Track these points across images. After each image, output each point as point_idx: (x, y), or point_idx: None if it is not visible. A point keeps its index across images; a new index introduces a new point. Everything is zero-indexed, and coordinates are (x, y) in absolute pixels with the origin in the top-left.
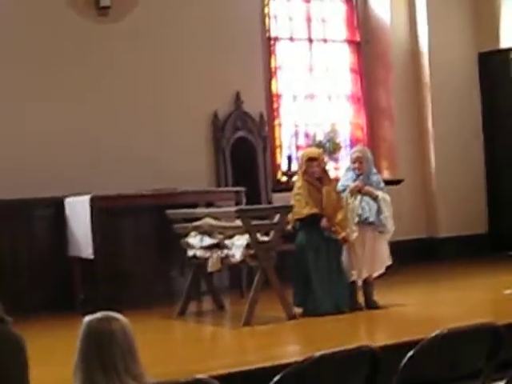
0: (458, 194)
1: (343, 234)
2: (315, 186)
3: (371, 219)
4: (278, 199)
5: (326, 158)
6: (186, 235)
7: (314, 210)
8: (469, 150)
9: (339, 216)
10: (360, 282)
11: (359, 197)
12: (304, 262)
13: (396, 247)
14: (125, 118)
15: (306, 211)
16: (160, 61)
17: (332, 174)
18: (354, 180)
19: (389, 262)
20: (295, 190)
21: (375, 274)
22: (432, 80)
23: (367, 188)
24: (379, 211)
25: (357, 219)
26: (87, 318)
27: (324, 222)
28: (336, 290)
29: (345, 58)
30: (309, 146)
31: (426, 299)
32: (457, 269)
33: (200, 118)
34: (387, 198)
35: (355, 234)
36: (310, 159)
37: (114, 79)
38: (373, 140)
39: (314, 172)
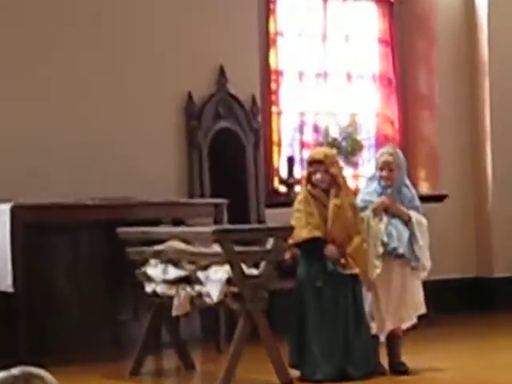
0: None
1: (356, 270)
2: (321, 199)
3: (401, 250)
4: (274, 217)
5: (340, 162)
6: (144, 263)
7: (316, 233)
8: None
9: (354, 243)
10: (383, 338)
11: (385, 218)
12: (301, 306)
13: (434, 290)
14: (63, 103)
15: (305, 234)
16: (119, 21)
17: (350, 184)
18: (380, 194)
19: (422, 310)
20: (295, 205)
21: (404, 327)
22: (491, 58)
23: (397, 206)
24: (412, 240)
25: (381, 250)
26: None
27: (329, 250)
28: (350, 345)
29: (372, 23)
30: (318, 144)
31: (473, 362)
32: None
33: (168, 102)
34: (423, 221)
35: (377, 271)
36: (314, 162)
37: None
38: (407, 139)
39: (320, 180)
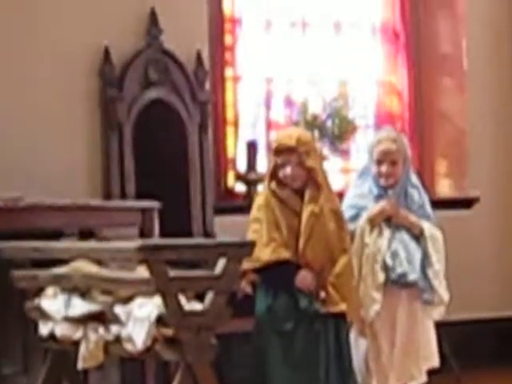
0: None
1: (342, 308)
2: (291, 204)
3: (412, 277)
4: (227, 228)
5: (320, 150)
6: (38, 293)
7: (283, 255)
8: None
9: (339, 267)
10: None
11: (388, 232)
12: (263, 357)
13: (456, 334)
14: None
15: (267, 255)
16: None
17: (336, 181)
18: (378, 197)
19: (435, 363)
20: (253, 212)
21: None
22: None
23: (404, 215)
24: (425, 262)
25: (382, 277)
26: None
27: (303, 279)
28: None
29: None
30: (292, 124)
31: None
32: None
33: (74, 62)
34: (438, 235)
35: (377, 307)
36: (283, 151)
37: None
38: (421, 119)
39: (290, 177)
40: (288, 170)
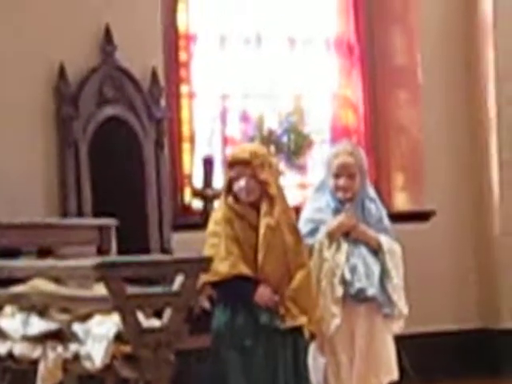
0: None
1: (301, 321)
2: (248, 218)
3: (371, 292)
4: (185, 244)
5: (276, 164)
6: None
7: (242, 269)
8: None
9: (297, 281)
10: None
11: (346, 246)
12: (221, 374)
13: (416, 347)
14: None
15: (225, 269)
16: None
17: (293, 197)
18: (336, 211)
19: (394, 376)
20: (210, 227)
21: None
22: (497, 13)
23: (363, 229)
24: (384, 276)
25: (341, 291)
26: None
27: (262, 295)
28: None
29: None
30: (248, 140)
31: None
32: None
33: (29, 79)
34: (397, 249)
35: (337, 321)
36: (237, 164)
37: None
38: (377, 132)
39: (245, 190)
40: (242, 182)
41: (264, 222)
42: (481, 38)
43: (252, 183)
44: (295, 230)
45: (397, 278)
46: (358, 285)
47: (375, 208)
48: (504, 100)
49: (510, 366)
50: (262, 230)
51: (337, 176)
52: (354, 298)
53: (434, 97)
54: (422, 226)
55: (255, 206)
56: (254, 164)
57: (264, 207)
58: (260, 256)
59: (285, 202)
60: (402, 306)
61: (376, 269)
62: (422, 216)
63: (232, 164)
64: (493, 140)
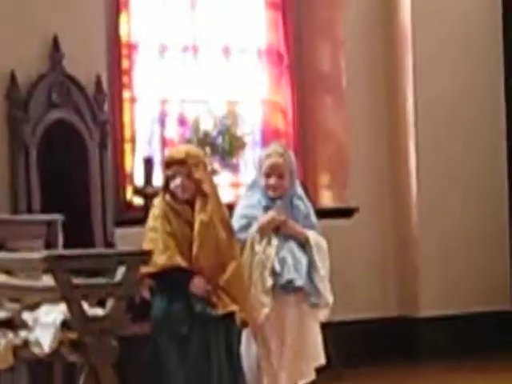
0: (458, 241)
1: (232, 308)
2: (184, 215)
3: (299, 282)
4: (126, 238)
5: (211, 163)
6: None
7: (178, 261)
8: (483, 161)
9: (229, 271)
10: None
11: (275, 240)
12: (160, 359)
13: (340, 334)
14: None
15: (163, 261)
16: None
17: (226, 194)
18: (266, 208)
19: (322, 361)
20: (150, 222)
21: (301, 383)
22: (415, 25)
23: (292, 225)
24: (311, 268)
25: (270, 282)
26: None
27: (197, 285)
28: None
29: None
30: (185, 141)
31: None
32: (452, 373)
33: None
34: (323, 243)
35: (266, 310)
36: (173, 163)
37: None
38: (304, 134)
39: (180, 187)
40: (178, 180)
41: (198, 218)
42: (399, 47)
43: (187, 182)
44: (227, 226)
45: (323, 270)
46: (287, 276)
47: (303, 205)
48: (421, 105)
49: (426, 351)
50: (196, 226)
51: (268, 175)
52: (284, 288)
53: (357, 102)
54: (346, 222)
55: (190, 203)
56: (189, 163)
57: (198, 204)
58: (194, 249)
59: (218, 199)
60: (328, 295)
61: (304, 261)
62: (346, 212)
63: (169, 164)
64: (411, 143)
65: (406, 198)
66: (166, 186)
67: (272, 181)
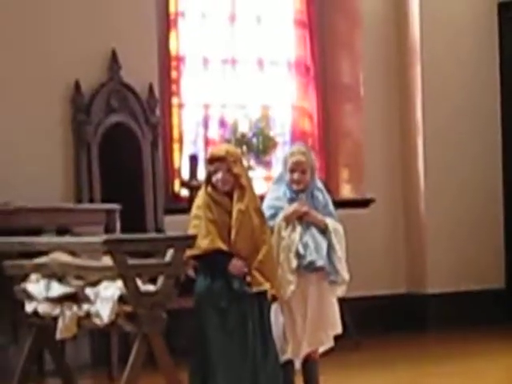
0: (460, 225)
1: (267, 287)
2: (224, 204)
3: (320, 263)
4: (174, 225)
5: (244, 161)
6: (24, 279)
7: (219, 244)
8: (481, 156)
9: (261, 254)
10: (298, 364)
11: (299, 227)
12: (203, 329)
13: (357, 308)
14: None
15: (205, 245)
16: None
17: (260, 187)
18: (291, 200)
19: (339, 330)
20: (193, 211)
21: (321, 349)
22: (423, 43)
23: (313, 214)
24: (330, 250)
25: (295, 263)
26: None
27: (235, 266)
28: (257, 376)
29: (287, 1)
30: (225, 141)
31: None
32: (457, 342)
33: (51, 93)
34: (340, 228)
35: (292, 288)
36: (215, 160)
37: None
38: (327, 135)
39: (221, 181)
40: (219, 175)
41: (236, 207)
42: (410, 61)
43: (227, 176)
44: (261, 214)
45: (340, 252)
46: (309, 258)
47: (322, 196)
48: (428, 110)
49: (432, 323)
50: (234, 214)
51: (292, 171)
52: (307, 268)
53: (373, 108)
54: (363, 211)
55: (229, 195)
56: (229, 160)
57: (236, 195)
58: (233, 234)
59: (253, 191)
60: (345, 274)
61: (324, 245)
62: (363, 203)
63: (211, 160)
64: (419, 142)
65: (415, 189)
66: (208, 180)
67: (296, 176)
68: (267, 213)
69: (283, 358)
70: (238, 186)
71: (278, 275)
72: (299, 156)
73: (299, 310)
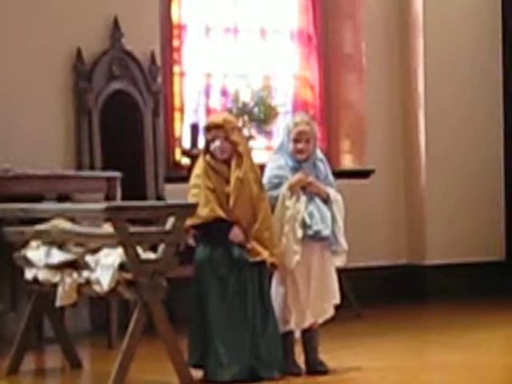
0: (460, 198)
1: (265, 256)
2: (222, 172)
3: (325, 232)
4: (175, 193)
5: (248, 129)
6: (24, 246)
7: (219, 213)
8: (483, 130)
9: (257, 225)
10: (298, 333)
11: (304, 197)
12: (203, 297)
13: (358, 278)
14: None
15: (205, 213)
16: None
17: (261, 156)
18: (294, 169)
19: (338, 300)
20: (192, 180)
21: (321, 320)
22: (426, 14)
23: (317, 184)
24: (332, 220)
25: (300, 233)
26: None
27: (235, 234)
28: (257, 344)
29: None
30: (226, 110)
31: (403, 361)
32: (456, 313)
33: (53, 60)
34: (340, 199)
35: (297, 258)
36: (213, 128)
37: None
38: (329, 106)
39: (219, 148)
40: (217, 143)
41: (234, 175)
42: (412, 31)
43: (225, 143)
44: (259, 181)
45: (340, 222)
46: (315, 227)
47: (323, 166)
48: (430, 81)
49: (431, 294)
50: (232, 181)
51: (296, 141)
52: (312, 237)
53: (375, 78)
54: (364, 182)
55: (227, 163)
56: (226, 128)
57: (234, 163)
58: (231, 202)
59: (251, 158)
60: (344, 243)
61: (328, 215)
62: (364, 174)
63: (208, 128)
64: (421, 114)
65: (415, 160)
66: (206, 148)
67: (300, 145)
68: (271, 182)
69: (285, 328)
70: (235, 153)
71: (283, 245)
72: (303, 126)
73: (302, 280)
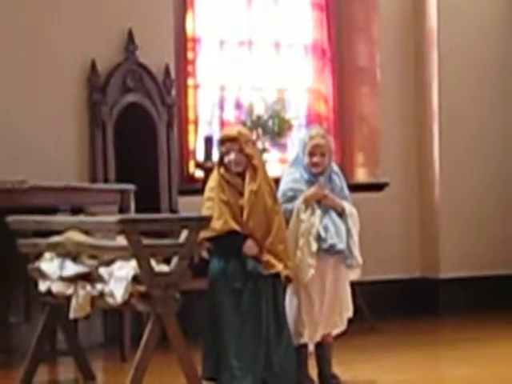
0: (474, 212)
1: (279, 269)
2: (236, 185)
3: (340, 246)
4: (189, 206)
5: (262, 142)
6: (38, 258)
7: (233, 226)
8: (497, 144)
9: (271, 238)
10: (312, 346)
11: (319, 211)
12: (217, 310)
13: (372, 292)
14: None
15: (219, 226)
16: None
17: (275, 169)
18: (309, 182)
19: (351, 314)
20: (206, 193)
21: (334, 332)
22: (440, 28)
23: (332, 197)
24: (347, 234)
25: (315, 246)
26: None
27: (249, 247)
28: (270, 357)
29: None
30: (240, 123)
31: (417, 375)
32: (470, 327)
33: (68, 72)
34: (355, 212)
35: (312, 271)
36: (227, 141)
37: None
38: (343, 119)
39: (234, 161)
40: (232, 156)
41: (248, 188)
42: (427, 46)
43: (239, 156)
44: (273, 194)
45: (356, 236)
46: (330, 241)
47: (338, 180)
48: (444, 95)
49: (445, 307)
50: (246, 194)
51: (311, 154)
52: (327, 251)
53: (389, 92)
54: (377, 195)
55: (241, 175)
56: (241, 140)
57: (248, 176)
58: (245, 215)
59: (265, 171)
60: (359, 257)
61: (343, 228)
62: (377, 187)
63: (223, 141)
64: (435, 127)
65: (429, 174)
66: (220, 161)
67: (315, 159)
68: (286, 195)
69: (299, 341)
70: (250, 166)
71: (298, 259)
72: (319, 139)
73: (317, 294)
